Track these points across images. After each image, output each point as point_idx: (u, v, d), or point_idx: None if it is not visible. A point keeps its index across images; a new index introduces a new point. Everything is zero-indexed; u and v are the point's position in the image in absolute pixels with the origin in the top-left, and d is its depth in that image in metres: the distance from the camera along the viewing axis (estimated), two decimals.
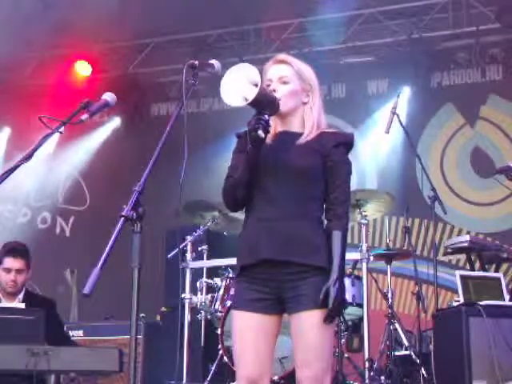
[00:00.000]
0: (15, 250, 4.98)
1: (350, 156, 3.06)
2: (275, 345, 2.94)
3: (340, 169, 2.97)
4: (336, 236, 2.89)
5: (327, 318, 2.81)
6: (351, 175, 3.03)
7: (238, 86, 2.83)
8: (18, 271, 4.93)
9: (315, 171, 2.92)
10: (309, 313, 2.82)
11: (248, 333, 2.88)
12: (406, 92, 7.98)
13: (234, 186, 2.95)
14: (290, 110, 3.00)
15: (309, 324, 2.82)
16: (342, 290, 2.83)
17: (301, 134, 2.98)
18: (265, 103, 2.86)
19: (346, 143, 3.02)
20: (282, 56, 3.08)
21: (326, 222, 2.95)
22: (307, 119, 3.01)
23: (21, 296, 4.98)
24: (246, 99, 2.80)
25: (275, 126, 3.01)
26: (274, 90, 2.96)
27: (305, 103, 3.03)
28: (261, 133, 2.80)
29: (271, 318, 2.90)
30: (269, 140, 2.93)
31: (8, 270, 4.92)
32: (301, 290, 2.84)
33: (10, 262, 4.93)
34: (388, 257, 5.92)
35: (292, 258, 2.84)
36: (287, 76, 3.00)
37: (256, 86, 2.78)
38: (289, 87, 2.99)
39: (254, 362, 2.86)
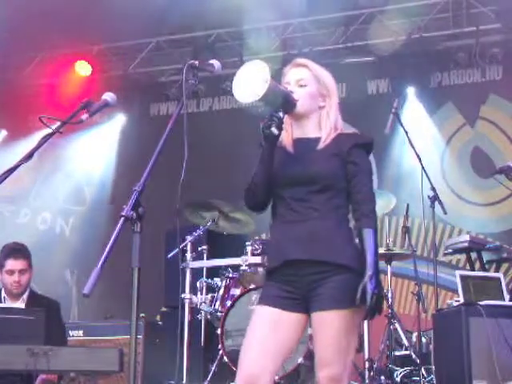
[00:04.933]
0: (15, 250, 4.96)
1: None
2: (290, 343, 2.92)
3: (361, 169, 2.99)
4: (367, 233, 2.87)
5: (367, 314, 2.78)
6: (373, 175, 3.07)
7: (250, 82, 2.85)
8: (21, 272, 4.92)
9: (336, 175, 2.94)
10: (329, 312, 2.82)
11: (260, 326, 2.88)
12: (406, 92, 7.98)
13: (251, 186, 2.98)
14: (306, 112, 3.01)
15: (328, 323, 2.81)
16: (378, 285, 2.79)
17: (317, 139, 3.00)
18: (278, 99, 2.88)
19: (365, 144, 3.06)
20: (301, 60, 3.11)
21: (354, 222, 2.95)
22: (324, 123, 3.03)
23: (25, 296, 4.97)
24: (258, 94, 2.81)
25: (291, 131, 3.03)
26: (292, 92, 2.98)
27: (321, 107, 3.05)
28: (274, 129, 2.83)
29: (290, 314, 2.89)
30: (287, 148, 2.96)
31: (11, 272, 4.91)
32: (323, 289, 2.83)
33: (12, 264, 4.91)
34: (388, 257, 5.92)
35: (314, 257, 2.84)
36: (304, 79, 3.03)
37: (265, 81, 2.80)
38: (306, 90, 3.01)
39: (257, 356, 2.84)
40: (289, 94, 2.94)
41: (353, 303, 2.77)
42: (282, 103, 2.90)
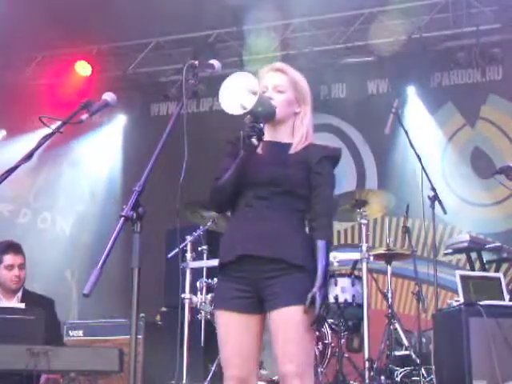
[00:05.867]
0: (13, 246, 5.03)
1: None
2: (259, 343, 2.99)
3: (325, 181, 3.03)
4: (321, 245, 2.93)
5: (314, 322, 2.85)
6: (335, 188, 3.10)
7: (236, 94, 2.87)
8: (20, 266, 4.98)
9: (301, 183, 2.99)
10: (290, 308, 2.86)
11: (234, 333, 2.93)
12: (407, 92, 7.98)
13: (221, 188, 3.00)
14: (282, 118, 3.06)
15: (289, 320, 2.86)
16: (326, 296, 2.89)
17: (289, 145, 3.05)
18: (263, 113, 2.92)
19: (333, 157, 3.09)
20: (279, 65, 3.16)
21: (309, 230, 3.00)
22: (297, 129, 3.07)
23: (19, 294, 4.99)
24: (245, 108, 2.84)
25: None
26: (270, 98, 3.02)
27: (296, 113, 3.09)
28: (254, 140, 2.86)
29: (254, 317, 2.95)
30: (258, 149, 2.98)
31: (11, 267, 4.95)
32: (279, 287, 2.88)
33: (12, 259, 4.96)
34: (388, 257, 5.92)
35: (272, 255, 2.88)
36: (282, 85, 3.07)
37: (255, 94, 2.82)
38: (284, 96, 3.06)
39: (242, 363, 2.92)
40: (271, 105, 2.98)
41: (304, 300, 2.84)
42: (264, 114, 2.93)
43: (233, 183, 2.97)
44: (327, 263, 2.93)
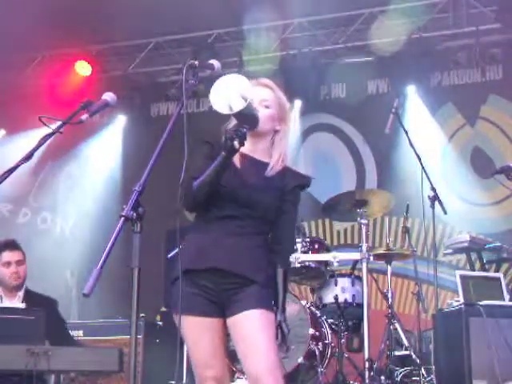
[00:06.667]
0: (9, 243, 5.04)
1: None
2: (225, 346, 3.09)
3: (293, 210, 3.17)
4: (280, 273, 3.10)
5: (281, 346, 3.03)
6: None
7: (228, 94, 2.90)
8: (18, 262, 4.98)
9: (273, 207, 3.09)
10: (253, 311, 2.97)
11: (204, 337, 3.02)
12: (406, 92, 7.98)
13: (198, 189, 3.01)
14: (263, 132, 3.12)
15: (255, 318, 2.96)
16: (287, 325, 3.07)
17: (265, 165, 3.12)
18: (247, 118, 2.97)
19: (304, 186, 3.20)
20: (266, 81, 3.22)
21: (270, 252, 3.12)
22: (276, 148, 3.15)
23: (21, 294, 4.98)
24: (231, 109, 2.88)
25: None
26: (257, 111, 3.07)
27: (276, 131, 3.16)
28: (236, 143, 2.90)
29: (219, 320, 3.05)
30: (235, 162, 3.06)
31: (8, 264, 4.96)
32: (240, 296, 3.00)
33: (9, 256, 4.97)
34: (388, 257, 5.92)
35: (238, 271, 3.00)
36: (269, 100, 3.14)
37: (245, 100, 2.85)
38: (269, 111, 3.13)
39: (217, 363, 3.03)
40: (256, 114, 3.04)
41: (267, 305, 3.02)
42: (248, 120, 2.98)
43: (208, 185, 2.99)
44: (286, 292, 3.13)
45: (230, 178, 3.02)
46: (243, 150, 3.02)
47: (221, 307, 3.04)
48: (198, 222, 3.15)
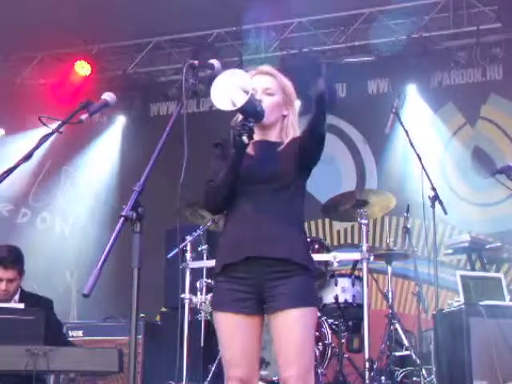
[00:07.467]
0: (5, 260, 4.76)
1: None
2: (259, 345, 3.01)
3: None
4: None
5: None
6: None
7: (228, 90, 2.88)
8: (9, 281, 4.78)
9: (294, 173, 3.02)
10: (292, 311, 2.88)
11: (236, 335, 2.95)
12: (407, 92, 7.97)
13: (215, 190, 3.02)
14: (271, 121, 3.09)
15: (289, 322, 2.88)
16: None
17: (278, 143, 3.09)
18: (252, 112, 2.94)
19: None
20: (266, 68, 3.19)
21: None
22: (288, 131, 3.11)
23: (16, 297, 4.92)
24: (234, 104, 2.86)
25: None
26: (260, 100, 3.03)
27: (284, 116, 3.14)
28: (245, 138, 2.89)
29: (255, 319, 2.97)
30: (249, 149, 3.01)
31: None
32: (282, 289, 2.90)
33: (1, 273, 4.78)
34: (388, 257, 5.92)
35: (277, 255, 2.91)
36: (272, 88, 3.11)
37: (246, 93, 2.84)
38: (274, 99, 3.10)
39: (246, 364, 2.95)
40: (260, 106, 3.00)
41: (311, 303, 2.91)
42: (253, 114, 2.96)
43: (228, 184, 2.99)
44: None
45: (246, 165, 2.98)
46: (255, 137, 3.00)
47: (260, 301, 2.96)
48: (227, 218, 3.10)
